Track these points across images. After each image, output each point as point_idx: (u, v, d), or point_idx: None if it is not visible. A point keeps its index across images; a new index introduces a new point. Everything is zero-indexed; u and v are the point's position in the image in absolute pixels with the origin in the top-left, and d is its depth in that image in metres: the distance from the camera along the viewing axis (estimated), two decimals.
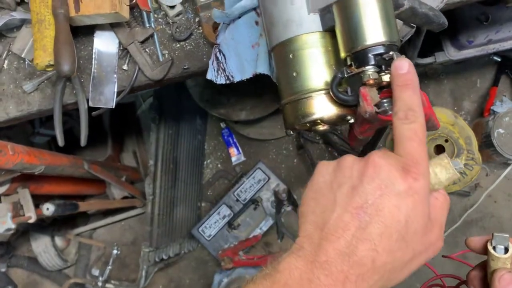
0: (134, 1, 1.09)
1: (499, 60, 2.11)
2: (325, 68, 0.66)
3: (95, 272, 2.29)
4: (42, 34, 0.99)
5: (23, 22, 1.13)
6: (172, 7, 1.10)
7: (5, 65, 1.16)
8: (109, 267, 2.15)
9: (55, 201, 1.66)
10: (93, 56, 1.12)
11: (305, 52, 0.66)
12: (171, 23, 1.12)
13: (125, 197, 2.17)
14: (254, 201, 2.05)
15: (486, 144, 1.95)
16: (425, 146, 0.55)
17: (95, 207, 2.02)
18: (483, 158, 1.92)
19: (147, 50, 1.12)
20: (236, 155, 2.36)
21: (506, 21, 1.59)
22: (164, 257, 1.98)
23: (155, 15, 1.13)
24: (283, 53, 0.68)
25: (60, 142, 1.11)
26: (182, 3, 1.10)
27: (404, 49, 1.48)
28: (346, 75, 0.62)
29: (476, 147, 1.90)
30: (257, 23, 0.82)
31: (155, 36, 1.12)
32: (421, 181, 0.52)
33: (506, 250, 0.60)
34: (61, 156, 1.54)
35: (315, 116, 0.66)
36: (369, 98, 0.63)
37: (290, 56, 0.67)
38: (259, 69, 0.81)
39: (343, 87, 0.65)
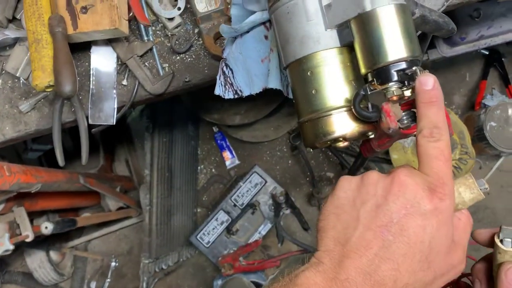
0: (131, 14, 1.06)
1: (487, 53, 2.13)
2: (344, 85, 0.65)
3: (93, 285, 2.24)
4: (40, 54, 0.95)
5: (16, 40, 1.09)
6: (171, 19, 1.07)
7: None
8: (108, 280, 2.11)
9: (53, 219, 1.62)
10: (91, 72, 1.09)
11: (323, 69, 0.65)
12: (170, 35, 1.09)
13: (120, 208, 2.13)
14: (252, 206, 2.03)
15: (478, 137, 1.97)
16: (451, 165, 0.54)
17: (92, 221, 1.98)
18: (476, 152, 1.93)
19: (146, 64, 1.09)
20: (230, 159, 2.33)
21: (497, 16, 1.60)
22: (164, 267, 1.95)
23: (153, 28, 1.11)
24: (300, 70, 0.67)
25: (61, 162, 1.08)
26: (180, 15, 1.08)
27: None
28: (369, 93, 0.61)
29: (469, 141, 1.91)
30: (266, 37, 0.80)
31: (154, 50, 1.09)
32: (446, 201, 0.52)
33: None
34: (56, 172, 1.51)
35: (337, 134, 0.65)
36: (393, 114, 0.62)
37: (308, 73, 0.66)
38: (270, 84, 0.80)
39: (363, 103, 0.64)
